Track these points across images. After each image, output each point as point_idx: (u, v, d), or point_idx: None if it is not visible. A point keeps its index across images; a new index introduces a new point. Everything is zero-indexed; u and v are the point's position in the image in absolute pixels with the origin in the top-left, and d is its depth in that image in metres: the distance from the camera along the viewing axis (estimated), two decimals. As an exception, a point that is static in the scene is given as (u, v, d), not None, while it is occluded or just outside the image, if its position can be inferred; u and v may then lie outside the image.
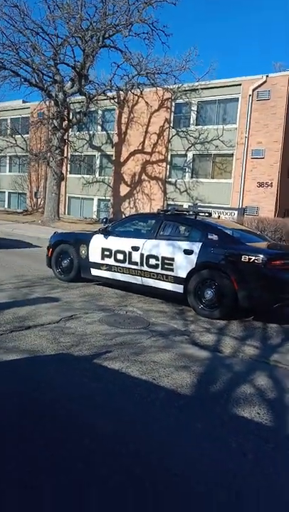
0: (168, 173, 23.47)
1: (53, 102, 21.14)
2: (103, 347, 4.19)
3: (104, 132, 26.12)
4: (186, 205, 21.51)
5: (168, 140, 23.26)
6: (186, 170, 22.89)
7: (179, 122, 23.15)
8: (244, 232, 7.00)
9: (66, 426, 2.72)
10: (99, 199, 26.39)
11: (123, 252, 6.63)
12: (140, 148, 24.20)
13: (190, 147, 22.40)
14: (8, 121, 30.25)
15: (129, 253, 6.54)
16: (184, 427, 2.84)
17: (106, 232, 6.98)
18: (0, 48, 19.22)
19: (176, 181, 23.08)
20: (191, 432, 2.78)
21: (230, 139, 20.57)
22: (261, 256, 5.46)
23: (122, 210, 24.48)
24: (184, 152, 22.73)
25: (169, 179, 23.40)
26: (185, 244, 6.05)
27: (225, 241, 5.93)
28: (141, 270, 6.44)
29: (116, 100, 23.04)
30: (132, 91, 21.25)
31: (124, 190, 24.99)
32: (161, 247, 6.25)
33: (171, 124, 23.15)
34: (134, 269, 6.51)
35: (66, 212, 26.85)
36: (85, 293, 6.65)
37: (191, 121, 22.55)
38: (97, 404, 3.05)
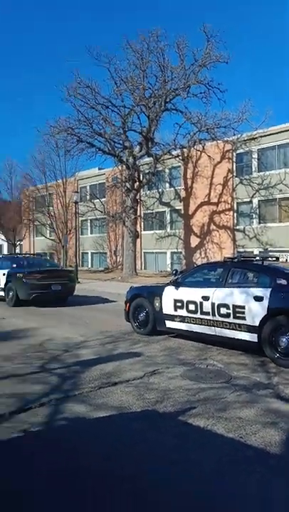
0: (235, 220, 23.51)
1: (124, 166, 22.84)
2: (187, 403, 4.22)
3: (172, 188, 27.25)
4: (256, 251, 21.17)
5: (232, 189, 23.56)
6: (253, 216, 22.80)
7: (241, 171, 23.49)
8: None
9: (152, 487, 2.76)
10: (171, 252, 27.00)
11: (194, 303, 6.64)
12: (206, 199, 24.75)
13: (254, 194, 22.45)
14: (88, 188, 33.07)
15: (200, 303, 6.54)
16: (276, 489, 2.75)
17: (177, 284, 7.10)
18: (77, 124, 21.59)
19: (244, 228, 22.98)
20: (284, 494, 2.70)
21: (294, 181, 20.35)
22: None
23: (194, 260, 24.74)
24: (249, 199, 22.79)
25: (237, 227, 23.38)
26: (255, 291, 5.93)
27: None
28: (213, 320, 6.38)
29: (180, 158, 24.22)
30: (195, 147, 22.28)
31: (194, 241, 25.37)
32: (231, 295, 6.18)
33: (234, 174, 23.53)
34: (207, 319, 6.47)
35: (143, 267, 27.77)
36: (165, 347, 6.78)
37: (253, 169, 22.77)
38: (181, 463, 3.06)
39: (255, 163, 22.72)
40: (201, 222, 25.05)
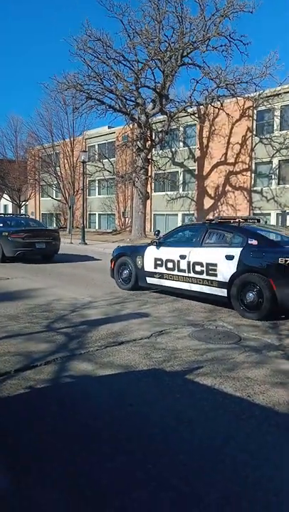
0: (253, 181, 22.86)
1: (136, 124, 22.07)
2: (194, 362, 4.18)
3: (186, 148, 26.44)
4: (274, 214, 20.70)
5: (251, 148, 22.73)
6: (272, 177, 22.09)
7: (262, 129, 22.54)
8: None
9: (162, 441, 2.76)
10: (183, 214, 26.62)
11: (172, 261, 7.19)
12: (223, 159, 24.00)
13: (275, 153, 21.62)
14: (96, 147, 32.26)
15: (178, 261, 7.08)
16: (284, 446, 2.69)
17: (158, 244, 7.63)
18: (86, 80, 20.71)
19: (261, 189, 22.37)
20: (291, 453, 2.64)
21: None
22: None
23: (208, 223, 24.35)
24: (268, 159, 22.00)
25: (254, 188, 22.76)
26: (227, 250, 6.41)
27: (264, 245, 6.19)
28: (188, 277, 6.93)
29: (196, 115, 23.27)
30: (212, 104, 21.29)
31: (208, 203, 24.89)
32: (206, 254, 6.69)
33: (254, 132, 22.62)
34: (183, 276, 7.01)
35: (152, 229, 27.50)
36: (173, 308, 6.74)
37: (275, 127, 21.81)
38: (190, 420, 3.04)
39: (277, 120, 21.69)
40: (216, 183, 24.43)
